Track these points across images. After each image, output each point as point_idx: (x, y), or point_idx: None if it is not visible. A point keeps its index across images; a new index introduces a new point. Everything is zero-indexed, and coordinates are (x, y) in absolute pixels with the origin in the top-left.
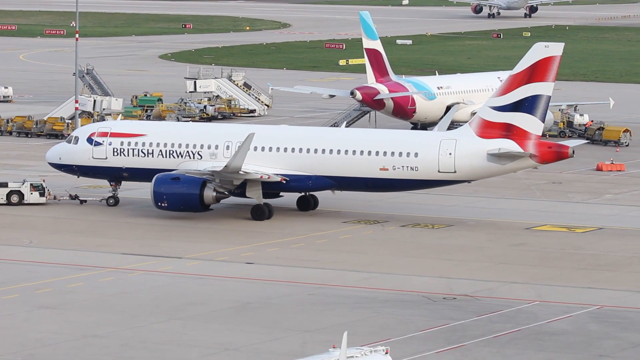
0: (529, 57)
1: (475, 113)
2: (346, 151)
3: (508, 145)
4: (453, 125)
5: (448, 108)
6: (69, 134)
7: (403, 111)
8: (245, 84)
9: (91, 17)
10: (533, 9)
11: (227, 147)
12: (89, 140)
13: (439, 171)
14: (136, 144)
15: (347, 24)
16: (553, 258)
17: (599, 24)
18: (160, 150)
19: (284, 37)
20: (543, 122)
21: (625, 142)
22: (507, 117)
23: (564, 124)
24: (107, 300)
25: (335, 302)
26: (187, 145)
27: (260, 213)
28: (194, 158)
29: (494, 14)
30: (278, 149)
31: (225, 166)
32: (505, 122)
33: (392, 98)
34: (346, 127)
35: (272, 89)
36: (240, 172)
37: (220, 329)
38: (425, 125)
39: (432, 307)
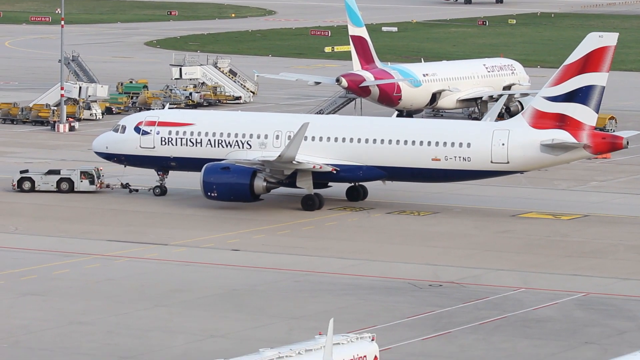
0: (582, 47)
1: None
2: (397, 141)
3: (562, 136)
4: (439, 112)
5: (434, 95)
6: (54, 121)
7: (388, 98)
8: (231, 71)
9: (76, 4)
10: None
11: (277, 137)
12: (137, 129)
13: (491, 162)
14: (184, 133)
15: (332, 11)
16: (539, 245)
17: (584, 11)
18: (209, 140)
19: (269, 24)
20: (597, 112)
21: (611, 129)
22: (560, 108)
23: None
24: (93, 287)
25: (321, 289)
26: (236, 135)
27: (311, 203)
28: (243, 147)
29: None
30: (329, 138)
31: (279, 156)
32: (558, 112)
33: (377, 85)
34: (329, 113)
35: (257, 76)
36: (294, 162)
37: (206, 316)
38: (411, 113)
39: (418, 294)
